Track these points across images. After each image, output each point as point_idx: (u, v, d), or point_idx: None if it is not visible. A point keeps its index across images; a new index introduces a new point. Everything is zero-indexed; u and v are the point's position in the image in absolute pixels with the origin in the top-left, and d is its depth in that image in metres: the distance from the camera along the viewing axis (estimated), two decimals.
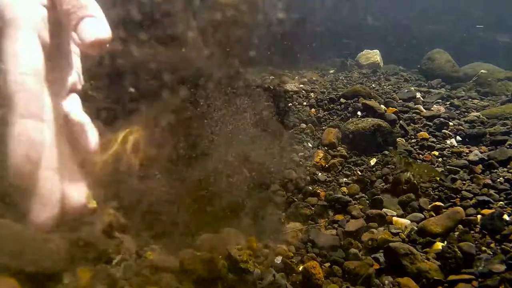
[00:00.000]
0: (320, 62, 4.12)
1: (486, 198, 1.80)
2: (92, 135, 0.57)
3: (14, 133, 0.44)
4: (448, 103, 3.03)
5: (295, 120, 2.58)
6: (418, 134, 2.48)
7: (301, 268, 1.48)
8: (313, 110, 2.75)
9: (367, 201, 1.93)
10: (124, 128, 0.97)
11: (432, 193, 1.95)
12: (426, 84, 3.65)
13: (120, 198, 1.42)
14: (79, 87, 0.62)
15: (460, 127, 2.56)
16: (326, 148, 2.34)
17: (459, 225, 1.67)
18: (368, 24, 4.57)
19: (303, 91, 3.05)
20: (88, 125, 0.58)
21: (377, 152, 2.29)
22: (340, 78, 3.71)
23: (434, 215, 1.77)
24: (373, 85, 3.40)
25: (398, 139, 2.42)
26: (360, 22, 4.56)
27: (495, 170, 2.05)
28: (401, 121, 2.52)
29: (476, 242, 1.55)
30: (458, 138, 2.45)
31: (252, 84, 2.29)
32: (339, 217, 1.82)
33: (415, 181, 1.99)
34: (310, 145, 2.37)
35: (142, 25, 1.47)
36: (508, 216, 1.64)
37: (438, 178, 1.96)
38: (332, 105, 2.80)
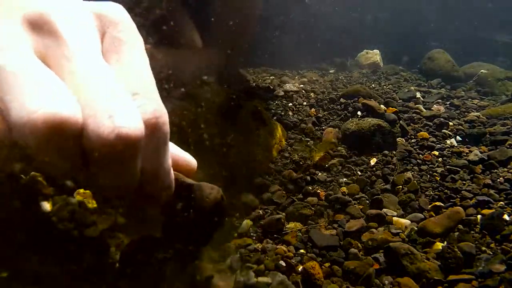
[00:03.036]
0: (320, 62, 4.12)
1: (486, 198, 1.80)
2: None
3: None
4: (448, 103, 3.03)
5: (295, 120, 2.58)
6: (418, 134, 2.48)
7: (300, 268, 1.48)
8: (313, 110, 2.75)
9: (367, 201, 1.93)
10: None
11: (432, 193, 1.95)
12: (426, 84, 3.65)
13: None
14: None
15: (460, 127, 2.56)
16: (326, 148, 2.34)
17: (459, 225, 1.66)
18: (368, 23, 4.57)
19: (303, 91, 3.05)
20: None
21: (377, 152, 2.29)
22: (340, 78, 3.71)
23: (434, 215, 1.77)
24: (373, 85, 3.40)
25: (398, 139, 2.42)
26: (360, 21, 4.56)
27: (495, 170, 2.05)
28: (401, 121, 2.52)
29: (476, 242, 1.55)
30: (458, 138, 2.45)
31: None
32: (339, 217, 1.82)
33: (415, 181, 1.99)
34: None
35: None
36: (508, 216, 1.64)
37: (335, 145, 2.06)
38: (332, 105, 2.80)
